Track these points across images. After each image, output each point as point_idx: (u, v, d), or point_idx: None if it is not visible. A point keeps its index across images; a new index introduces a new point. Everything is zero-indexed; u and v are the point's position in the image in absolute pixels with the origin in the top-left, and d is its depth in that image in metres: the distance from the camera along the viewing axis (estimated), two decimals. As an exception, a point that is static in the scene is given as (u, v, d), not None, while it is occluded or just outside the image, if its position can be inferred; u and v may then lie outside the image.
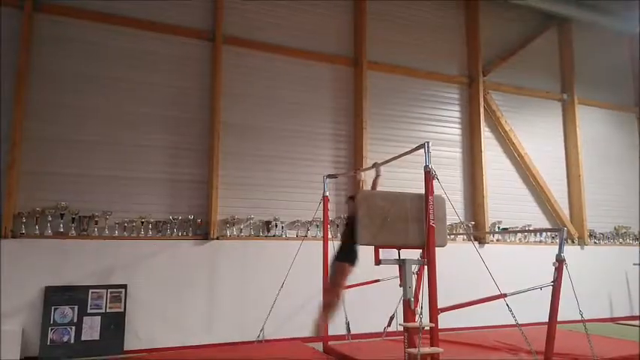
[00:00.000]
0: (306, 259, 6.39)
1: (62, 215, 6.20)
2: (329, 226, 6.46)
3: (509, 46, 9.73)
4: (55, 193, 6.25)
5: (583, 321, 4.75)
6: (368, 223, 4.31)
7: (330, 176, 6.56)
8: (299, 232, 7.49)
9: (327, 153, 7.99)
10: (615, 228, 10.24)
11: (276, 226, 7.39)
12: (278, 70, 7.82)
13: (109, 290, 6.25)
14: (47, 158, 6.34)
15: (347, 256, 4.85)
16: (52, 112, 6.44)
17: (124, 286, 6.31)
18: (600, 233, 10.02)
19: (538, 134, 9.89)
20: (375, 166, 5.37)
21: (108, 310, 6.18)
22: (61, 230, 6.20)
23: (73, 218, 6.26)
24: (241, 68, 7.57)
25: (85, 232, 6.30)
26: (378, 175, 5.38)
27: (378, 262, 4.35)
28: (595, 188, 10.10)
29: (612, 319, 9.21)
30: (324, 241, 6.25)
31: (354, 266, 4.86)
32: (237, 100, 7.47)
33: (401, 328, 4.43)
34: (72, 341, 5.95)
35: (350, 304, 6.17)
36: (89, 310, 6.12)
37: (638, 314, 9.54)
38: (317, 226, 7.37)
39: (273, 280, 6.31)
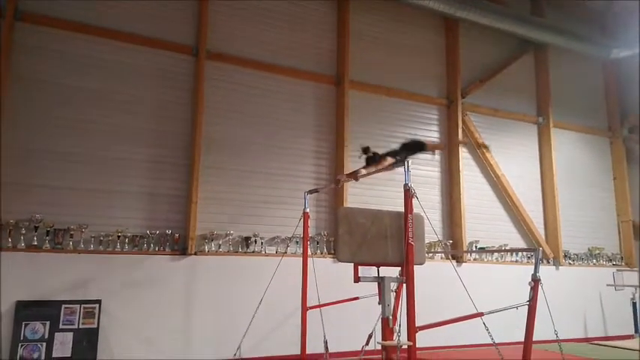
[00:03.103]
0: (286, 275, 6.35)
1: (36, 228, 6.06)
2: (309, 242, 6.45)
3: (488, 69, 9.97)
4: (30, 205, 6.12)
5: (558, 341, 4.81)
6: (348, 240, 4.33)
7: (310, 192, 6.57)
8: (279, 248, 7.46)
9: (308, 169, 8.02)
10: (589, 249, 10.44)
11: (256, 242, 7.35)
12: (261, 87, 7.86)
13: (83, 306, 6.09)
14: (22, 169, 6.21)
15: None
16: (28, 123, 6.33)
17: (98, 302, 6.17)
18: (575, 254, 10.19)
19: (515, 156, 10.09)
20: (357, 173, 5.31)
21: (81, 326, 6.02)
22: (35, 243, 6.05)
23: (48, 231, 6.13)
24: (224, 84, 7.58)
25: (59, 246, 6.16)
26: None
27: (357, 279, 4.36)
28: (570, 210, 10.31)
29: (587, 339, 9.34)
30: (303, 257, 6.24)
31: None
32: (219, 115, 7.47)
33: (379, 347, 4.43)
34: (42, 358, 5.75)
35: (328, 323, 6.13)
36: (61, 326, 5.94)
37: (612, 335, 9.68)
38: (297, 242, 7.36)
39: (251, 297, 6.25)
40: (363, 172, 5.15)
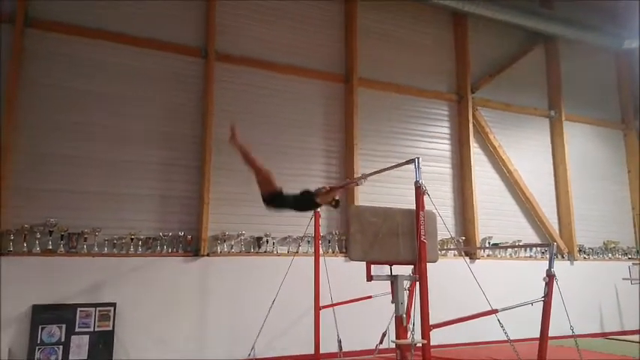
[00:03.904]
0: (298, 275, 6.36)
1: (51, 232, 6.13)
2: (320, 241, 6.45)
3: (498, 63, 9.88)
4: (44, 210, 6.18)
5: (574, 336, 4.76)
6: (360, 238, 4.31)
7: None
8: (290, 247, 7.47)
9: (318, 169, 8.01)
10: (604, 243, 10.32)
11: (268, 242, 7.36)
12: (270, 87, 7.87)
13: (98, 308, 6.16)
14: (36, 174, 6.28)
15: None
16: (41, 128, 6.40)
17: (113, 304, 6.23)
18: (589, 248, 10.08)
19: (527, 150, 9.99)
20: (362, 176, 5.38)
21: (96, 329, 6.09)
22: (50, 247, 6.13)
23: (62, 235, 6.19)
24: (233, 85, 7.60)
25: (74, 250, 6.23)
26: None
27: (369, 278, 4.34)
28: (583, 203, 10.19)
29: (603, 334, 9.23)
30: (315, 256, 6.25)
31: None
32: (229, 116, 7.45)
33: (393, 345, 4.41)
34: (59, 361, 5.84)
35: (342, 321, 6.14)
36: (77, 329, 6.02)
37: (628, 329, 9.57)
38: (308, 241, 7.36)
39: (264, 297, 6.26)
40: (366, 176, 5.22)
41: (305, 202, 5.01)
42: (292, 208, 5.13)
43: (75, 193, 6.44)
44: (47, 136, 6.43)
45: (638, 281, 9.67)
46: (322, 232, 7.33)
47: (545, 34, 10.03)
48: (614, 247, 10.34)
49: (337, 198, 5.02)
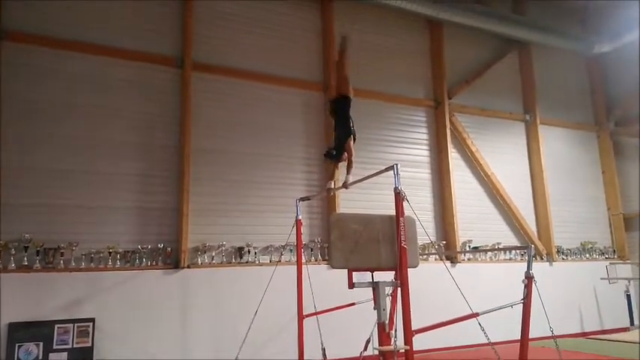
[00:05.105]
0: (281, 284, 6.32)
1: (26, 248, 5.99)
2: (302, 249, 6.43)
3: (473, 69, 10.03)
4: (18, 225, 6.04)
5: (554, 337, 4.81)
6: (341, 246, 4.31)
7: (302, 199, 6.56)
8: (272, 257, 7.43)
9: (299, 177, 8.00)
10: (582, 243, 10.50)
11: (249, 252, 7.32)
12: (249, 96, 7.85)
13: (76, 325, 6.03)
14: (9, 188, 6.13)
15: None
16: (13, 141, 6.27)
17: (92, 320, 6.10)
18: (567, 249, 10.25)
19: (503, 154, 10.14)
20: (344, 185, 5.42)
21: (75, 346, 5.95)
22: (26, 263, 5.99)
23: (38, 251, 6.06)
24: (211, 94, 7.56)
25: (50, 265, 6.10)
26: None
27: (351, 285, 4.34)
28: (560, 205, 10.37)
29: (583, 334, 9.37)
30: (298, 265, 6.22)
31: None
32: (208, 126, 7.45)
33: (377, 352, 4.41)
34: (37, 379, 5.70)
35: (326, 329, 6.11)
36: (55, 346, 5.88)
37: (608, 328, 9.73)
38: (290, 250, 7.33)
39: (247, 308, 6.20)
40: (351, 179, 5.23)
41: (345, 128, 5.47)
42: (337, 120, 5.62)
43: (50, 207, 6.32)
44: (20, 149, 6.29)
45: (615, 280, 9.85)
46: (304, 240, 7.31)
47: (519, 40, 10.23)
48: (591, 248, 10.53)
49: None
